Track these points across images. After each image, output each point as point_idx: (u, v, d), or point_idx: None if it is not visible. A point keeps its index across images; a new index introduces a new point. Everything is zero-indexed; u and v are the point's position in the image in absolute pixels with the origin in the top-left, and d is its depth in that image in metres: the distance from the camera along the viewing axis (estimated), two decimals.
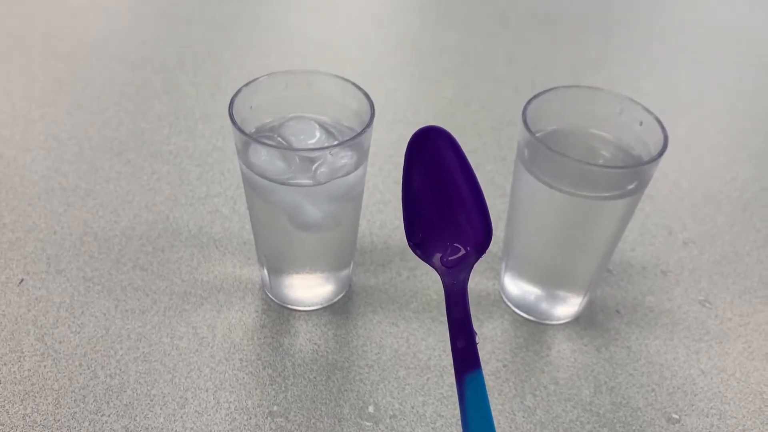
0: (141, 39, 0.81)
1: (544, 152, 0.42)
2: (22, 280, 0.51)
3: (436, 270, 0.37)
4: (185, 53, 0.79)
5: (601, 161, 0.46)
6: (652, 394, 0.47)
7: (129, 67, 0.76)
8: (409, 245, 0.38)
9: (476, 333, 0.34)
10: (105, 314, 0.50)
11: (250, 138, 0.41)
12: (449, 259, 0.36)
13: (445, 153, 0.37)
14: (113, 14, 0.87)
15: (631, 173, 0.43)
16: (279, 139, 0.45)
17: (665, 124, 0.44)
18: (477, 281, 0.54)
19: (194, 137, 0.66)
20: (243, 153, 0.43)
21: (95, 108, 0.69)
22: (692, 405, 0.47)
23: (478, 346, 0.34)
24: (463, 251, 0.36)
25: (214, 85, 0.73)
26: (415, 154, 0.37)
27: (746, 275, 0.56)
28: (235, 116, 0.42)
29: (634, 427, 0.45)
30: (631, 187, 0.43)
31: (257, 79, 0.45)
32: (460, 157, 0.37)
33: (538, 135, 0.46)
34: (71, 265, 0.53)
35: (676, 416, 0.46)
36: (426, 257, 0.38)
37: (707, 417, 0.46)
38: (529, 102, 0.45)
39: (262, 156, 0.42)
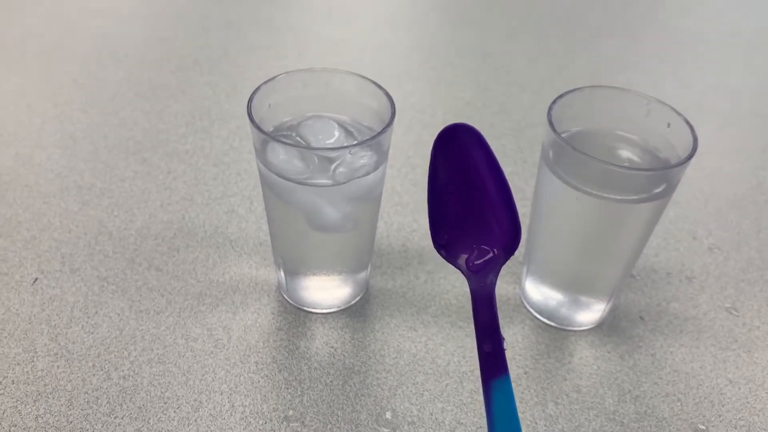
0: (158, 39, 0.81)
1: (569, 153, 0.41)
2: (36, 279, 0.51)
3: (462, 272, 0.36)
4: (201, 54, 0.78)
5: (627, 163, 0.44)
6: (678, 403, 0.46)
7: (145, 67, 0.75)
8: (435, 246, 0.37)
9: (504, 338, 0.33)
10: (119, 314, 0.49)
11: (268, 136, 0.40)
12: (476, 263, 0.35)
13: (472, 151, 0.36)
14: (129, 15, 0.87)
15: (659, 176, 0.41)
16: (297, 138, 0.44)
17: (690, 121, 0.42)
18: (498, 286, 0.53)
19: (211, 137, 0.65)
20: (261, 152, 0.42)
21: (111, 107, 0.69)
22: (720, 416, 0.45)
23: (506, 351, 0.33)
24: (490, 253, 0.35)
25: (230, 85, 0.73)
26: (441, 152, 0.36)
27: None
28: (253, 114, 0.41)
29: None
30: (658, 190, 0.41)
31: (276, 77, 0.44)
32: (489, 156, 0.35)
33: (563, 135, 0.44)
34: (86, 265, 0.52)
35: (703, 427, 0.45)
36: (452, 259, 0.36)
37: (735, 429, 0.45)
38: (554, 102, 0.44)
39: (280, 155, 0.42)
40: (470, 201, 0.36)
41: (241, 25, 0.85)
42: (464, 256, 0.36)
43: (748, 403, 0.46)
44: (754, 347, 0.50)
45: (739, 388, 0.47)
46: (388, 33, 0.86)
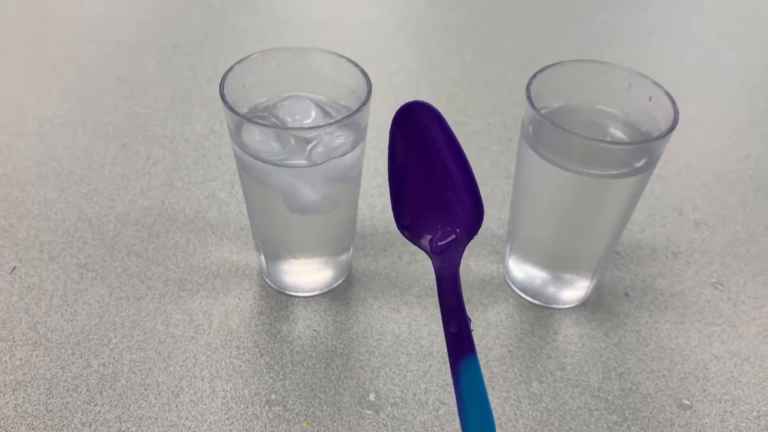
0: (137, 23, 0.79)
1: (549, 129, 0.40)
2: (14, 268, 0.50)
3: (426, 253, 0.35)
4: (182, 36, 0.77)
5: (608, 138, 0.44)
6: (663, 379, 0.46)
7: (124, 51, 0.74)
8: (398, 227, 0.36)
9: (470, 319, 0.33)
10: (99, 302, 0.48)
11: (242, 118, 0.40)
12: (438, 244, 0.35)
13: (431, 130, 0.35)
14: None
15: (641, 150, 0.41)
16: (273, 119, 0.43)
17: (671, 93, 0.42)
18: (481, 265, 0.52)
19: (191, 121, 0.64)
20: (236, 134, 0.41)
21: (90, 93, 0.68)
22: (704, 390, 0.45)
23: (473, 332, 0.32)
24: (453, 234, 0.35)
25: (211, 68, 0.72)
26: (399, 131, 0.35)
27: (759, 256, 0.54)
28: (226, 95, 0.41)
29: (644, 414, 0.44)
30: (640, 164, 0.41)
31: (250, 56, 0.43)
32: (448, 134, 0.34)
33: (543, 111, 0.44)
34: (65, 252, 0.52)
35: (688, 402, 0.44)
36: (415, 239, 0.36)
37: (720, 403, 0.44)
38: (533, 77, 0.43)
39: (255, 136, 0.41)
40: (431, 181, 0.35)
41: (222, 7, 0.83)
42: (428, 237, 0.35)
43: (732, 377, 0.46)
44: (739, 321, 0.49)
45: (724, 363, 0.47)
46: (372, 12, 0.85)
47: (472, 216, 0.34)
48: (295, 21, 0.82)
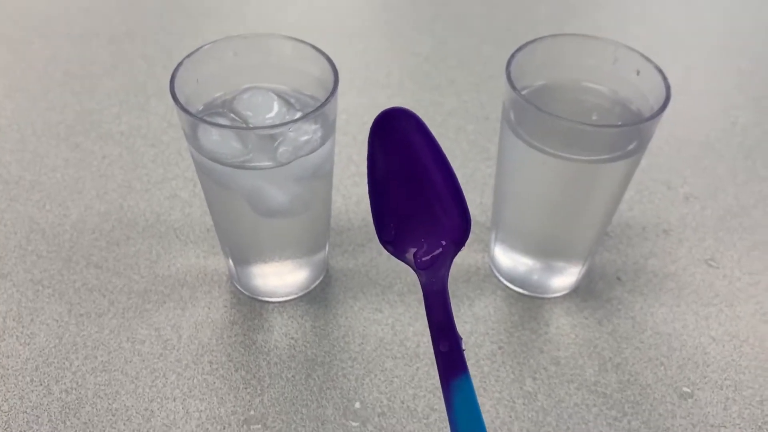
0: (85, 10, 0.74)
1: (532, 112, 0.37)
2: None
3: (411, 268, 0.33)
4: (133, 23, 0.72)
5: (595, 117, 0.41)
6: (661, 368, 0.43)
7: (72, 42, 0.69)
8: (381, 242, 0.34)
9: (461, 338, 0.30)
10: (57, 321, 0.45)
11: (197, 119, 0.36)
12: (423, 259, 0.32)
13: (413, 138, 0.32)
14: None
15: (631, 132, 0.38)
16: (232, 115, 0.40)
17: (660, 67, 0.39)
18: (465, 255, 0.50)
19: (147, 115, 0.60)
20: (192, 136, 0.38)
21: (37, 89, 0.63)
22: (705, 377, 0.43)
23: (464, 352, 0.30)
24: (439, 248, 0.32)
25: (166, 56, 0.67)
26: (378, 141, 0.32)
27: (753, 229, 0.52)
28: (178, 94, 0.37)
29: (644, 407, 0.41)
30: (631, 147, 0.38)
31: (201, 47, 0.39)
32: (431, 142, 0.32)
33: (524, 93, 0.41)
34: (17, 268, 0.48)
35: (688, 390, 0.42)
36: (399, 254, 0.33)
37: (721, 389, 0.42)
38: (512, 56, 0.40)
39: (213, 137, 0.37)
40: (414, 192, 0.33)
41: None
42: (413, 250, 0.32)
43: (732, 361, 0.44)
44: (735, 300, 0.47)
45: (723, 346, 0.45)
46: None
47: (459, 226, 0.32)
48: (255, 0, 0.77)
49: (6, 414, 0.40)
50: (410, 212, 0.33)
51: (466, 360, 0.30)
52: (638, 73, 0.40)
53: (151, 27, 0.71)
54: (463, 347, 0.29)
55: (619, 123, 0.40)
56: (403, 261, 0.33)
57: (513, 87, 0.38)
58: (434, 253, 0.32)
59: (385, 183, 0.33)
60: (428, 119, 0.60)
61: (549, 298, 0.47)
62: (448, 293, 0.31)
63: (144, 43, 0.69)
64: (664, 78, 0.38)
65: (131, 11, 0.74)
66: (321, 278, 0.48)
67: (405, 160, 0.32)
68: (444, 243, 0.32)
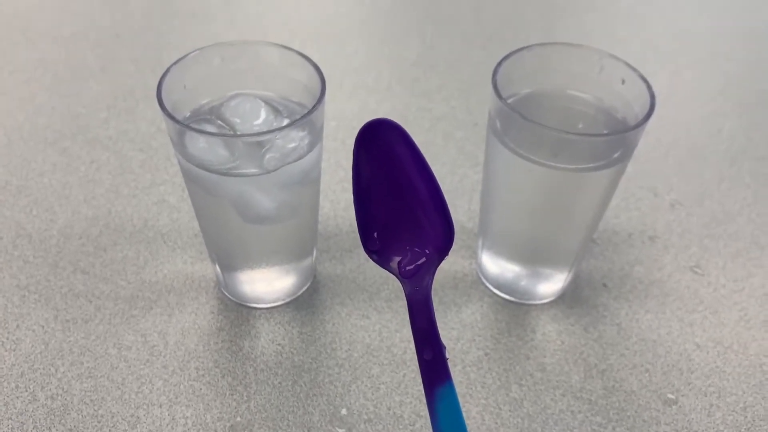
0: (73, 13, 0.74)
1: (517, 121, 0.37)
2: None
3: (396, 277, 0.33)
4: (122, 26, 0.72)
5: (581, 126, 0.41)
6: (646, 374, 0.44)
7: (60, 45, 0.69)
8: (366, 252, 0.34)
9: (445, 346, 0.30)
10: (43, 327, 0.45)
11: (183, 126, 0.36)
12: (407, 268, 0.32)
13: (397, 148, 0.32)
14: None
15: (616, 140, 0.38)
16: (219, 122, 0.40)
17: (645, 76, 0.39)
18: (452, 261, 0.50)
19: (135, 119, 0.60)
20: (178, 143, 0.38)
21: (24, 93, 0.63)
22: (689, 383, 0.43)
23: (448, 360, 0.30)
24: (423, 257, 0.32)
25: (155, 59, 0.67)
26: (363, 152, 0.33)
27: (738, 236, 0.53)
28: (165, 101, 0.37)
29: (628, 413, 0.42)
30: (616, 155, 0.38)
31: (189, 54, 0.39)
32: (415, 153, 0.32)
33: (510, 100, 0.41)
34: (3, 273, 0.48)
35: (673, 396, 0.43)
36: (384, 264, 0.33)
37: (705, 396, 0.43)
38: (499, 64, 0.40)
39: (200, 144, 0.37)
40: (398, 202, 0.33)
41: None
42: (397, 259, 0.33)
43: (717, 367, 0.44)
44: (720, 307, 0.48)
45: (708, 353, 0.45)
46: None
47: (443, 236, 0.32)
48: (243, 2, 0.77)
49: None
50: (395, 222, 0.33)
51: (452, 366, 0.30)
52: (623, 82, 0.40)
53: (139, 29, 0.71)
54: (448, 356, 0.30)
55: (605, 132, 0.40)
56: (387, 270, 0.33)
57: (499, 96, 0.38)
58: (418, 263, 0.32)
59: (370, 193, 0.33)
60: (417, 125, 0.61)
61: (535, 305, 0.48)
62: (431, 302, 0.31)
63: (132, 45, 0.69)
64: (649, 87, 0.38)
65: (120, 14, 0.74)
66: (308, 284, 0.48)
67: (389, 171, 0.33)
68: (428, 252, 0.32)
